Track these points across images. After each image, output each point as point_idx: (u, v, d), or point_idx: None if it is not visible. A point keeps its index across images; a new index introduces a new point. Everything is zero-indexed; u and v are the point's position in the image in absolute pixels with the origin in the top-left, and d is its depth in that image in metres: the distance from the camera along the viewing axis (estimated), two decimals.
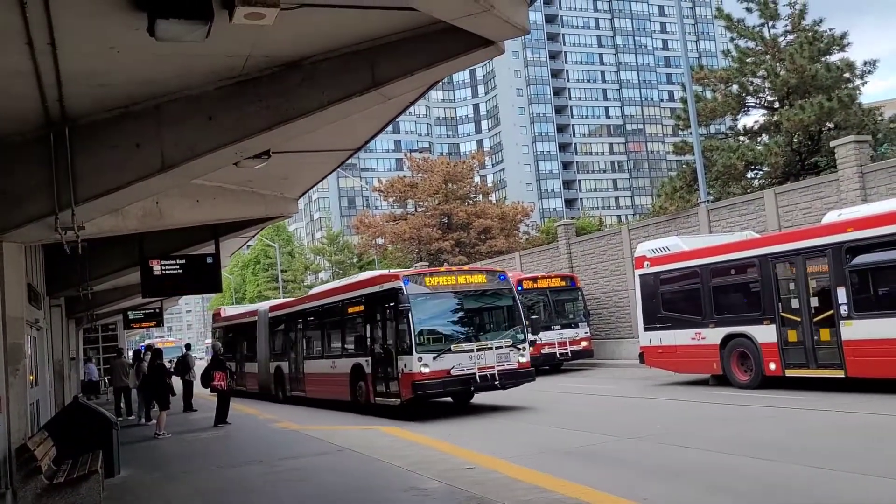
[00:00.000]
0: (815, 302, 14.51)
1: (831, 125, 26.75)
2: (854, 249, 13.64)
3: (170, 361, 24.21)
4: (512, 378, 15.48)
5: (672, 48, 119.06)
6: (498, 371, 15.08)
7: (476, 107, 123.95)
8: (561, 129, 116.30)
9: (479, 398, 17.02)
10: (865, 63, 27.93)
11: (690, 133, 26.78)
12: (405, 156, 66.42)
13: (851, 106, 26.22)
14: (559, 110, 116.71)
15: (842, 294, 13.78)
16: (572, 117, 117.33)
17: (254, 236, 22.35)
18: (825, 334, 14.24)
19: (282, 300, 30.76)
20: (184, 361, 22.12)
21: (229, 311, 31.93)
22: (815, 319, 14.45)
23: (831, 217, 15.27)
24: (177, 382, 21.34)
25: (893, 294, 13.46)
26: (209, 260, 13.95)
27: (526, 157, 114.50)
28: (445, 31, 6.44)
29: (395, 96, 7.48)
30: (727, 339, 16.23)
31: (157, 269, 13.55)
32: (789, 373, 14.92)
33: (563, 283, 26.13)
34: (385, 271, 19.73)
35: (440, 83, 9.64)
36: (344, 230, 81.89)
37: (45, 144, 7.53)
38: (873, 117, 27.47)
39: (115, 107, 7.45)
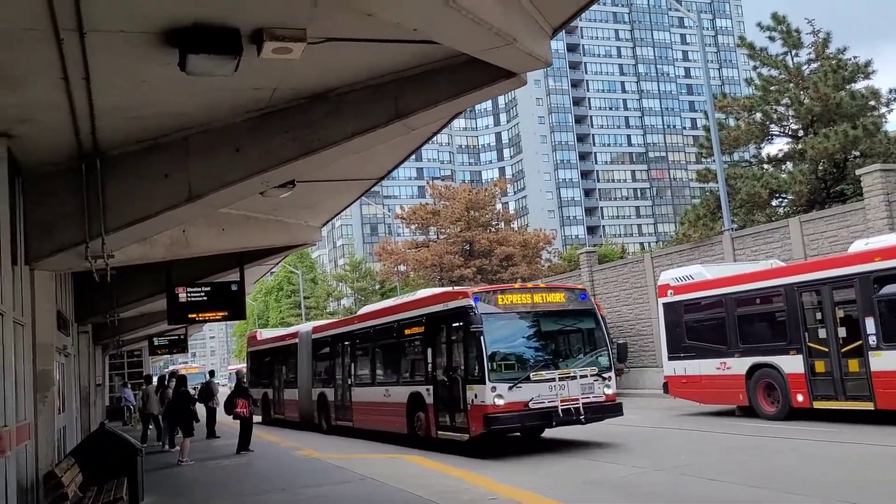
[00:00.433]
0: (842, 332, 14.29)
1: (857, 153, 26.54)
2: (882, 279, 13.44)
3: (194, 388, 24.33)
4: (598, 412, 13.65)
5: (694, 76, 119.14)
6: (583, 404, 13.22)
7: (498, 135, 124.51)
8: (583, 156, 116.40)
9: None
10: (891, 91, 27.80)
11: (714, 161, 26.69)
12: (427, 183, 66.74)
13: (877, 134, 26.03)
14: (581, 138, 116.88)
15: (870, 324, 13.56)
16: (594, 145, 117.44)
17: (277, 263, 22.49)
18: (853, 365, 14.00)
19: (326, 321, 28.95)
20: (207, 388, 22.26)
21: (266, 333, 30.08)
22: (843, 350, 14.22)
23: (858, 246, 15.09)
24: (201, 409, 21.41)
25: None
26: (234, 287, 14.08)
27: (548, 185, 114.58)
28: (468, 63, 6.54)
29: (418, 127, 7.58)
30: (753, 370, 16.00)
31: (182, 297, 13.72)
32: (817, 405, 14.65)
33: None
34: (448, 289, 18.33)
35: (462, 112, 9.70)
36: (366, 257, 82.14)
37: (77, 175, 7.72)
38: None
39: (146, 138, 7.63)
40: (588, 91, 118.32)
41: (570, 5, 6.42)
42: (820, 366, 14.66)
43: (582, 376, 13.49)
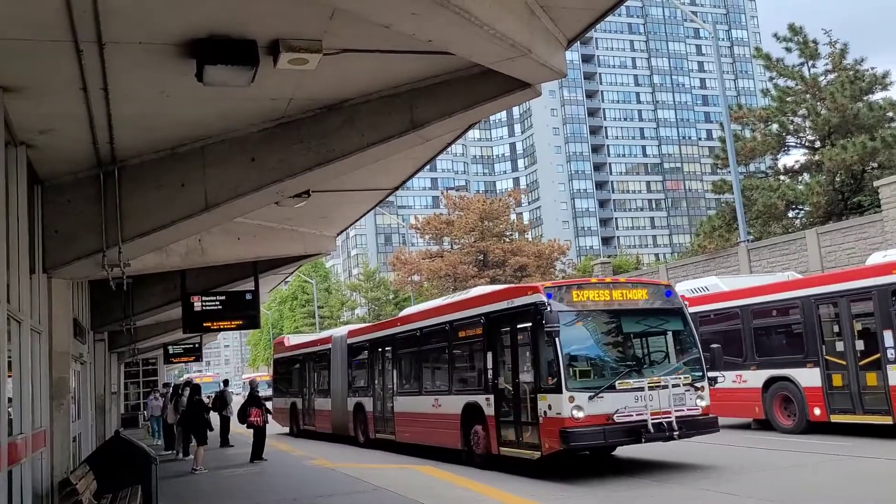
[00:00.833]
0: (860, 345, 14.14)
1: (874, 164, 26.35)
2: None
3: (208, 397, 24.40)
4: (693, 427, 11.77)
5: (710, 87, 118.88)
6: (677, 418, 11.43)
7: (513, 145, 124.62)
8: (598, 167, 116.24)
9: None
10: None
11: (729, 172, 26.58)
12: (442, 194, 66.93)
13: (895, 145, 25.84)
14: (596, 148, 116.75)
15: (888, 337, 13.40)
16: (609, 156, 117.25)
17: (292, 272, 22.46)
18: (871, 379, 13.83)
19: (362, 325, 26.87)
20: (222, 397, 22.35)
21: (294, 339, 28.16)
22: (861, 363, 14.06)
23: (876, 258, 14.96)
24: (214, 418, 21.46)
25: None
26: (248, 296, 14.14)
27: (562, 195, 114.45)
28: (483, 74, 6.56)
29: (432, 138, 7.61)
30: (769, 383, 15.84)
31: (197, 305, 13.78)
32: (834, 418, 14.48)
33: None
34: (513, 284, 16.75)
35: (477, 123, 9.66)
36: (380, 267, 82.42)
37: (95, 184, 7.80)
38: None
39: (163, 148, 7.71)
40: (603, 102, 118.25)
41: (585, 17, 6.43)
42: (837, 379, 14.50)
43: (674, 385, 11.67)
